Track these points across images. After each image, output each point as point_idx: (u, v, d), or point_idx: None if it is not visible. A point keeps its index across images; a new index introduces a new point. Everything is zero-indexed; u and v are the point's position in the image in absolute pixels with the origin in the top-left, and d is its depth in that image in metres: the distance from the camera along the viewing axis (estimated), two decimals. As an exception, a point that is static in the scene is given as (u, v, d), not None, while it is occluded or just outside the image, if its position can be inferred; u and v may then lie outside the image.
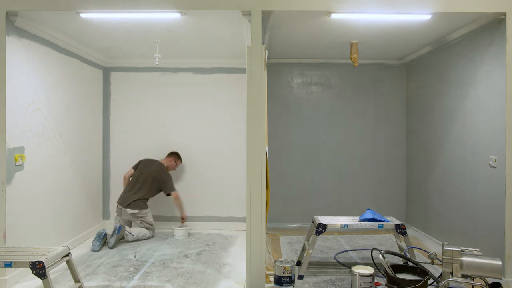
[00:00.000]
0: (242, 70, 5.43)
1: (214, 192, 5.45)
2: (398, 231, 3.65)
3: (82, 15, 3.48)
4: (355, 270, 3.19)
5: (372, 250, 3.45)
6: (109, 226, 5.42)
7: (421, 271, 3.22)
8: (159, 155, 5.44)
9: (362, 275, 3.15)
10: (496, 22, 3.48)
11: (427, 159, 4.86)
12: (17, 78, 3.52)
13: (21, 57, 3.58)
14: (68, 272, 3.71)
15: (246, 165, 3.30)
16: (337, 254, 4.30)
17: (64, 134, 4.34)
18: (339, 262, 4.04)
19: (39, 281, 3.51)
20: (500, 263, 2.86)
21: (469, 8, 3.36)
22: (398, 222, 3.71)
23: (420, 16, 3.56)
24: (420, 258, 4.17)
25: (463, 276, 2.94)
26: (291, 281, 3.31)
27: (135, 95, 5.45)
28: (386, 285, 3.21)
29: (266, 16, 3.43)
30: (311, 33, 4.14)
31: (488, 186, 3.61)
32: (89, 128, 5.00)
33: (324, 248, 4.54)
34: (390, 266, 3.26)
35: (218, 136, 5.44)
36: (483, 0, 3.33)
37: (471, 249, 3.01)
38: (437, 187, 4.60)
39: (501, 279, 2.93)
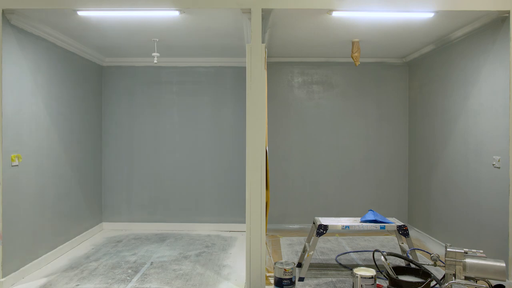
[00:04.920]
0: (242, 69, 5.38)
1: (214, 193, 5.41)
2: (400, 232, 3.60)
3: (80, 13, 3.43)
4: (357, 272, 3.15)
5: (373, 251, 3.40)
6: (107, 227, 5.38)
7: (424, 273, 3.18)
8: (159, 154, 5.40)
9: (363, 277, 3.11)
10: (500, 20, 3.44)
11: (429, 159, 4.81)
12: (14, 77, 3.48)
13: (18, 55, 3.54)
14: (66, 274, 3.68)
15: (246, 165, 3.26)
16: (338, 255, 4.25)
17: (61, 133, 4.29)
18: (340, 263, 3.99)
19: (36, 283, 3.46)
20: (503, 265, 2.81)
21: (472, 6, 3.32)
22: (400, 223, 3.66)
23: (423, 14, 3.52)
24: (422, 259, 4.13)
25: (466, 278, 2.89)
26: (291, 283, 3.26)
27: (133, 94, 5.40)
28: (388, 287, 3.16)
29: (266, 14, 3.39)
30: (311, 32, 4.10)
31: (491, 187, 3.56)
32: (87, 127, 4.95)
33: (325, 249, 4.50)
34: (392, 268, 3.22)
35: (217, 135, 5.40)
36: (487, -3, 3.29)
37: (474, 250, 2.97)
38: (439, 187, 4.55)
39: (504, 281, 2.88)
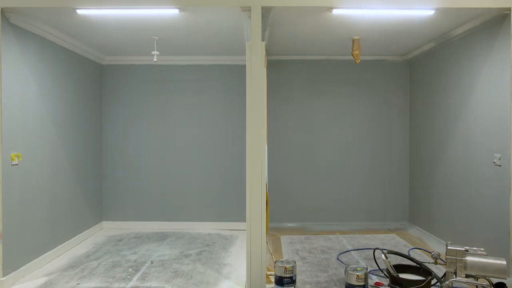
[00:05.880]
0: (241, 67, 5.37)
1: (214, 191, 5.40)
2: None
3: (79, 11, 3.42)
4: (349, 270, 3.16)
5: (374, 250, 3.40)
6: (107, 227, 5.38)
7: (424, 271, 3.17)
8: (159, 152, 5.39)
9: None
10: (501, 17, 3.42)
11: (430, 157, 4.80)
12: (13, 76, 3.47)
13: (17, 54, 3.53)
14: (66, 273, 3.68)
15: (246, 164, 3.25)
16: (340, 254, 4.24)
17: (61, 132, 4.28)
18: (342, 262, 3.99)
19: (37, 282, 3.46)
20: (504, 262, 2.81)
21: (472, 3, 3.30)
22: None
23: (423, 12, 3.50)
24: (423, 258, 4.12)
25: (467, 276, 2.89)
26: (292, 281, 3.25)
27: (133, 93, 5.39)
28: (389, 285, 3.16)
29: (266, 12, 3.38)
30: (312, 30, 4.08)
31: (492, 185, 3.55)
32: (87, 126, 4.94)
33: (326, 248, 4.49)
34: (393, 266, 3.22)
35: (217, 133, 5.39)
36: (487, -5, 3.28)
37: (475, 248, 2.97)
38: (441, 185, 4.54)
39: (505, 279, 2.88)
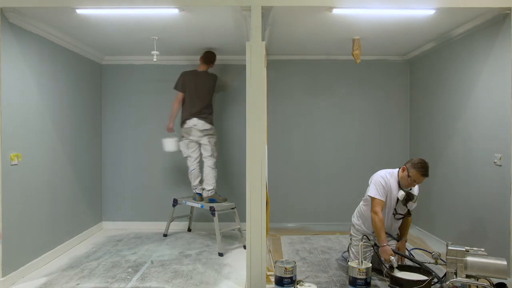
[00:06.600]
0: (241, 67, 5.35)
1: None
2: None
3: (78, 11, 3.41)
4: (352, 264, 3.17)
5: (375, 249, 3.40)
6: (108, 226, 5.37)
7: (425, 271, 3.17)
8: (158, 152, 5.38)
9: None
10: (501, 17, 3.41)
11: (431, 157, 4.77)
12: (12, 75, 3.46)
13: (17, 54, 3.52)
14: (66, 273, 3.67)
15: (246, 164, 3.25)
16: (344, 252, 4.22)
17: (61, 132, 4.28)
18: (344, 258, 3.99)
19: (36, 282, 3.46)
20: (505, 263, 2.80)
21: (473, 3, 3.29)
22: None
23: (424, 11, 3.49)
24: (423, 258, 4.11)
25: (467, 276, 2.89)
26: (292, 281, 3.25)
27: (132, 92, 5.38)
28: (389, 285, 3.16)
29: (266, 11, 3.37)
30: (312, 29, 4.08)
31: (492, 185, 3.55)
32: (86, 126, 4.93)
33: (326, 248, 4.49)
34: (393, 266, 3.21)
35: (216, 132, 5.37)
36: (488, -5, 3.27)
37: (476, 248, 2.96)
38: (441, 185, 4.53)
39: (506, 279, 2.87)
